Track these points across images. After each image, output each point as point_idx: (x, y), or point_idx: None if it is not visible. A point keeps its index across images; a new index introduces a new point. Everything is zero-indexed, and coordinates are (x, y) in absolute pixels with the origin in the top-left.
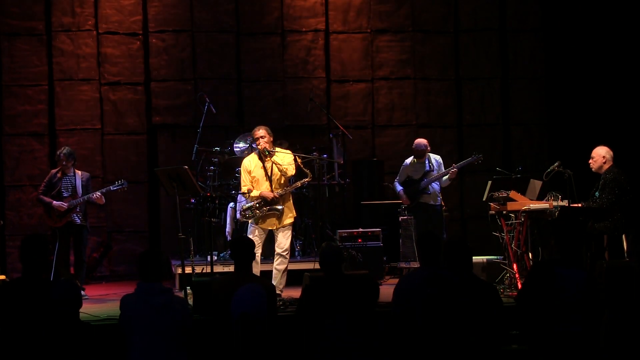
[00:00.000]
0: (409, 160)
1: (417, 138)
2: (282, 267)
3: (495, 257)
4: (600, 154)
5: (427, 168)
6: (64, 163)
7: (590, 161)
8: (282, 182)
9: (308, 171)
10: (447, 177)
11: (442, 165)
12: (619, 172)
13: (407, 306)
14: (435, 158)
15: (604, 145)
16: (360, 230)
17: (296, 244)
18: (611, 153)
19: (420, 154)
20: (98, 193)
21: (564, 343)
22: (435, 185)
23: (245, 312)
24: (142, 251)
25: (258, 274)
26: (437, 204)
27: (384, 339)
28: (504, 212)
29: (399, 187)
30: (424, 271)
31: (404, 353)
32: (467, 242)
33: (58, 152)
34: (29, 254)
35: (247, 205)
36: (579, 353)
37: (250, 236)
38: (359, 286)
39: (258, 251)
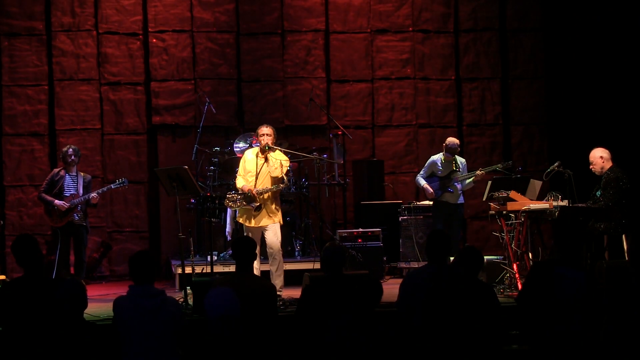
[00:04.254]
0: (437, 157)
1: (448, 137)
2: (275, 267)
3: (495, 257)
4: (597, 156)
5: (454, 168)
6: (72, 158)
7: (591, 166)
8: (268, 181)
9: (286, 178)
10: (471, 179)
11: (466, 168)
12: (621, 172)
13: (411, 302)
14: (461, 160)
15: (598, 146)
16: (360, 230)
17: (296, 244)
18: (607, 152)
19: (453, 152)
20: (94, 194)
21: (565, 343)
22: (458, 185)
23: (221, 316)
24: (132, 254)
25: (257, 274)
26: (459, 203)
27: (386, 338)
28: (504, 212)
29: (423, 181)
30: (431, 268)
31: (406, 351)
32: (481, 252)
33: (64, 150)
34: (23, 255)
35: (230, 194)
36: (579, 353)
37: None
38: (361, 286)
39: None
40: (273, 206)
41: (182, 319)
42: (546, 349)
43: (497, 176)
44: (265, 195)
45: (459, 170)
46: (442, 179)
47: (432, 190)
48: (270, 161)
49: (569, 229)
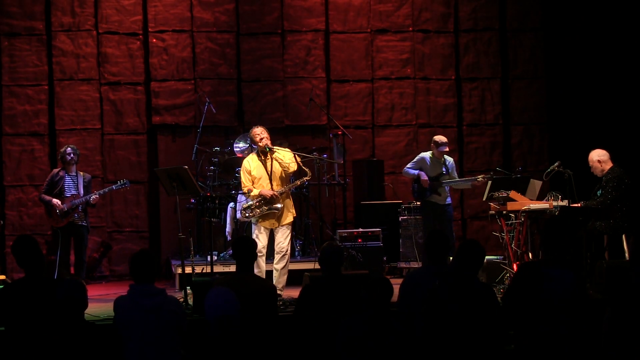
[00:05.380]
0: (427, 155)
1: (436, 135)
2: (281, 266)
3: (495, 257)
4: (594, 159)
5: (443, 169)
6: (71, 157)
7: (591, 169)
8: (283, 180)
9: (307, 170)
10: (470, 183)
11: (455, 168)
12: (622, 171)
13: (411, 303)
14: (448, 159)
15: (596, 148)
16: (360, 230)
17: (296, 244)
18: (605, 153)
19: (443, 147)
20: (95, 195)
21: (551, 343)
22: (446, 188)
23: (219, 316)
24: (133, 253)
25: (263, 274)
26: (447, 203)
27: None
28: (504, 212)
29: (413, 171)
30: (431, 269)
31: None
32: (481, 245)
33: (63, 150)
34: (23, 256)
35: (246, 204)
36: (565, 353)
37: (254, 236)
38: (370, 285)
39: (263, 250)
40: (290, 202)
41: (184, 318)
42: (532, 349)
43: (497, 176)
44: (284, 195)
45: (446, 173)
46: (432, 181)
47: (426, 178)
48: (276, 160)
49: (556, 229)
